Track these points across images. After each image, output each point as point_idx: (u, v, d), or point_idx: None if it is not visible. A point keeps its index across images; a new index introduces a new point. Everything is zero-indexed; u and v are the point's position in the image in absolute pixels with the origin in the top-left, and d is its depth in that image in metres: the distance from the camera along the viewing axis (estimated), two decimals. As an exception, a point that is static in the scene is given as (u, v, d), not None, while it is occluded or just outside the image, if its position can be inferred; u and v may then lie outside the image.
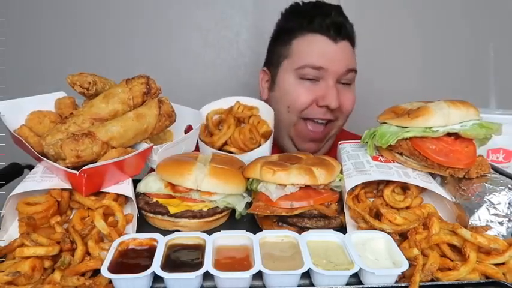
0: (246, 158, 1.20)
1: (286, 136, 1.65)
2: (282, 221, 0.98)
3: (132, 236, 0.85)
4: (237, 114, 1.35)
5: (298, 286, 0.77)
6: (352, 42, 1.61)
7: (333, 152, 1.49)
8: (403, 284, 0.76)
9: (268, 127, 1.34)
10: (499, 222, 0.87)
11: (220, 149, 1.28)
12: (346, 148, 1.14)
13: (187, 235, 0.86)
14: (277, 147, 1.73)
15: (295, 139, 1.63)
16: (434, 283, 0.77)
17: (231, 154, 1.25)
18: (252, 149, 1.27)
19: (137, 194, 1.05)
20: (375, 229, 0.88)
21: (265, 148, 1.26)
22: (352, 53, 1.61)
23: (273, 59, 1.66)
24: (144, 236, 0.84)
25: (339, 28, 1.53)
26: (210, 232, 0.86)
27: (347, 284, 0.76)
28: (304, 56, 1.55)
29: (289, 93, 1.58)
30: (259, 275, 0.75)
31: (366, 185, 1.03)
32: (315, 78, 1.55)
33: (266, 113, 1.39)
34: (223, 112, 1.39)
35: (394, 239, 0.84)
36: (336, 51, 1.53)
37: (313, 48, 1.54)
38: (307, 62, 1.53)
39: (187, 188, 0.98)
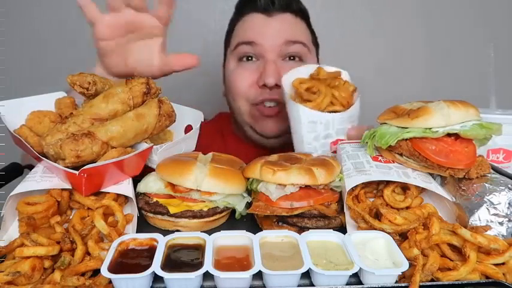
0: (347, 115, 1.21)
1: (246, 125, 1.60)
2: (282, 221, 0.98)
3: (132, 236, 0.84)
4: (324, 77, 1.30)
5: (298, 286, 0.76)
6: (299, 15, 1.54)
7: None
8: (403, 284, 0.76)
9: (353, 86, 1.31)
10: (499, 222, 0.87)
11: (323, 110, 1.24)
12: (346, 148, 1.14)
13: (187, 235, 0.86)
14: (241, 138, 1.70)
15: (253, 124, 1.57)
16: (434, 283, 0.77)
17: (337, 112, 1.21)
18: (350, 106, 1.25)
19: (137, 194, 1.05)
20: (375, 229, 0.88)
21: (358, 103, 1.26)
22: (296, 26, 1.53)
23: (224, 54, 1.64)
24: (144, 236, 0.84)
25: (272, 1, 1.47)
26: (210, 232, 0.86)
27: (347, 284, 0.76)
28: (238, 36, 1.50)
29: (231, 81, 1.54)
30: (259, 275, 0.75)
31: (366, 185, 1.03)
32: (254, 57, 1.47)
33: (346, 77, 1.36)
34: (306, 81, 1.31)
35: (394, 239, 0.84)
36: (269, 24, 1.47)
37: (247, 26, 1.50)
38: (240, 39, 1.48)
39: (187, 188, 0.98)
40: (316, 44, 1.68)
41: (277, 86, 1.45)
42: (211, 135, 1.63)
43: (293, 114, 1.24)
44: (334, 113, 1.21)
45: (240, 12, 1.58)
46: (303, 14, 1.57)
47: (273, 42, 1.46)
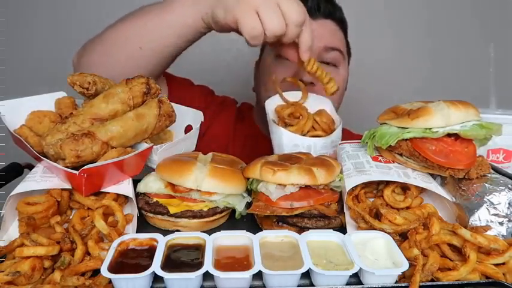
0: (329, 140, 1.23)
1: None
2: (282, 221, 0.98)
3: (132, 236, 0.85)
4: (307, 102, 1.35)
5: (298, 286, 0.77)
6: (339, 24, 1.61)
7: None
8: (403, 284, 0.76)
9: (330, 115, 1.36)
10: (499, 222, 0.87)
11: (305, 135, 1.27)
12: (346, 148, 1.14)
13: (187, 235, 0.86)
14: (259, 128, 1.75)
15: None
16: (434, 283, 0.77)
17: (316, 138, 1.24)
18: (332, 131, 1.28)
19: (137, 194, 1.05)
20: (375, 229, 0.88)
21: (340, 129, 1.29)
22: (336, 33, 1.60)
23: (262, 48, 1.70)
24: (144, 236, 0.84)
25: (318, 5, 1.53)
26: (210, 232, 0.86)
27: (347, 284, 0.76)
28: None
29: (265, 73, 1.60)
30: (259, 275, 0.75)
31: (366, 185, 1.03)
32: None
33: (328, 108, 1.40)
34: (289, 106, 1.35)
35: (394, 239, 0.84)
36: (312, 28, 1.52)
37: None
38: None
39: (187, 188, 0.98)
40: (349, 54, 1.74)
41: (312, 83, 1.49)
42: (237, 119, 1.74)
43: (275, 137, 1.26)
44: (315, 138, 1.24)
45: None
46: (342, 24, 1.64)
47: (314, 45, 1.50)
